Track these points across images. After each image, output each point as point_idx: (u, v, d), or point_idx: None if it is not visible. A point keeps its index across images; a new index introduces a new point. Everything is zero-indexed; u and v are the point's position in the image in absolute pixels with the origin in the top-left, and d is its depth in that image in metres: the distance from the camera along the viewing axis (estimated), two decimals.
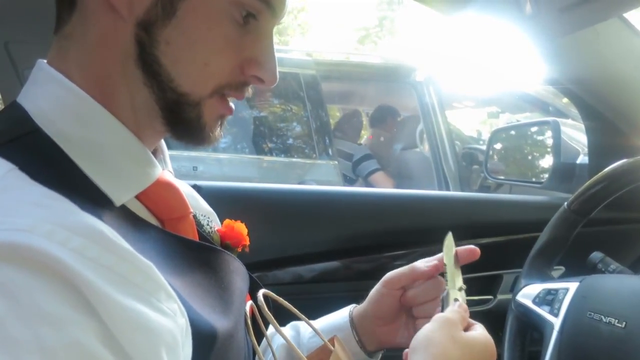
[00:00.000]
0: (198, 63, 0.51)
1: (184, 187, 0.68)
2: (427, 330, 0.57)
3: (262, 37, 0.55)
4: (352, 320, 0.74)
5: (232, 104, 0.57)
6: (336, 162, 3.18)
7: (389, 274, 0.72)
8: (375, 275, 0.78)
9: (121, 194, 0.49)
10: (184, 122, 0.53)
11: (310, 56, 3.40)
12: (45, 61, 0.52)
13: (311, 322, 0.74)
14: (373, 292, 0.74)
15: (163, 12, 0.49)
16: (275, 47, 0.57)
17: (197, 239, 0.59)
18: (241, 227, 0.68)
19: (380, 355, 0.77)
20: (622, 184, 0.94)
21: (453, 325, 0.58)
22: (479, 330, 0.60)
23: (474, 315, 0.62)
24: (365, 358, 0.75)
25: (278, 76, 0.56)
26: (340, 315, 0.76)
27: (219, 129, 0.57)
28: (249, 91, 0.57)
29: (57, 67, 0.51)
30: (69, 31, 0.51)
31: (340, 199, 1.41)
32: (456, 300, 0.64)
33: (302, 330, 0.77)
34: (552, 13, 0.85)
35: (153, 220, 0.54)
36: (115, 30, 0.49)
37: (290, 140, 3.26)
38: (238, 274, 0.60)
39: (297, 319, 0.68)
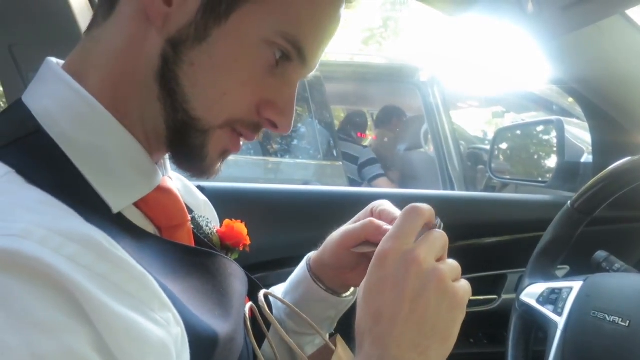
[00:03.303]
0: (217, 90, 0.51)
1: (180, 183, 0.67)
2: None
3: (287, 84, 0.54)
4: (311, 271, 0.72)
5: (240, 142, 0.56)
6: (341, 163, 3.18)
7: (343, 234, 0.67)
8: None
9: (120, 201, 0.49)
10: (187, 147, 0.53)
11: None
12: (54, 59, 0.52)
13: (279, 286, 0.76)
14: (329, 244, 0.70)
15: (195, 33, 0.49)
16: None
17: (193, 245, 0.59)
18: (241, 227, 0.68)
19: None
20: (625, 182, 0.94)
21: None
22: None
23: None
24: (340, 299, 0.73)
25: (292, 127, 0.56)
26: (300, 268, 0.75)
27: (219, 163, 0.57)
28: (260, 136, 0.57)
29: (75, 67, 0.51)
30: (97, 33, 0.51)
31: (344, 199, 1.41)
32: None
33: (273, 300, 0.76)
34: (554, 11, 0.85)
35: (150, 227, 0.54)
36: (144, 41, 0.49)
37: (295, 142, 3.27)
38: (236, 277, 0.60)
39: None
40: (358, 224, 0.66)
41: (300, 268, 0.75)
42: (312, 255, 0.74)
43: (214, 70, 0.50)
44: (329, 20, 0.54)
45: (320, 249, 0.72)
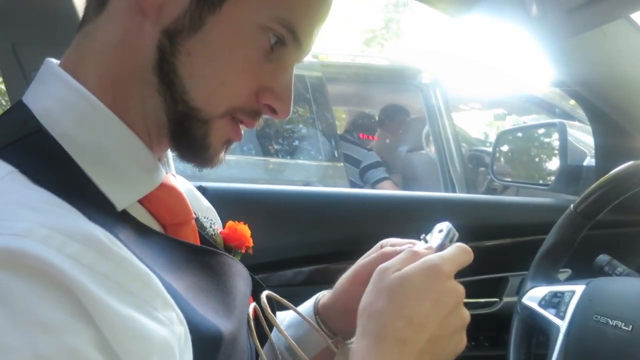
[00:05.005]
0: (215, 80, 0.51)
1: (184, 186, 0.68)
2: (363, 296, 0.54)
3: (283, 69, 0.54)
4: (318, 313, 0.72)
5: (242, 130, 0.56)
6: (342, 164, 3.18)
7: (355, 269, 0.68)
8: None
9: (123, 199, 0.49)
10: (190, 139, 0.53)
11: (316, 58, 3.40)
12: (53, 60, 0.52)
13: (284, 312, 0.74)
14: (340, 286, 0.70)
15: (190, 23, 0.49)
16: None
17: (198, 243, 0.59)
18: (244, 229, 0.68)
19: None
20: (629, 186, 0.94)
21: (380, 274, 0.54)
22: (415, 264, 0.53)
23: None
24: (342, 344, 0.71)
25: (291, 111, 0.56)
26: (307, 307, 0.74)
27: (223, 152, 0.57)
28: (260, 122, 0.57)
29: (72, 66, 0.51)
30: (91, 29, 0.51)
31: (345, 201, 1.41)
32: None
33: (281, 319, 0.76)
34: (558, 14, 0.84)
35: (155, 225, 0.53)
36: (140, 34, 0.49)
37: (296, 142, 3.26)
38: (240, 277, 0.60)
39: None
40: (371, 256, 0.67)
41: (307, 308, 0.74)
42: (320, 297, 0.74)
43: (211, 59, 0.50)
44: (321, 2, 0.54)
45: (331, 292, 0.72)
